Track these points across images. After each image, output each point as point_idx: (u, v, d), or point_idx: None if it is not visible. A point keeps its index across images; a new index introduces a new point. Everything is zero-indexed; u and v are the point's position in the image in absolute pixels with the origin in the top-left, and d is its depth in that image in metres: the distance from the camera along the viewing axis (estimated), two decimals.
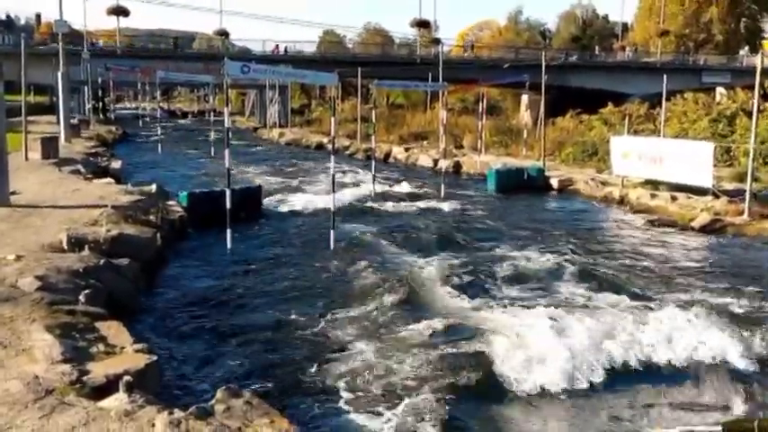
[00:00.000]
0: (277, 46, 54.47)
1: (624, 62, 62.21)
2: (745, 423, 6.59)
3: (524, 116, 44.75)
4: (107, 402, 4.88)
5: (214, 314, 9.13)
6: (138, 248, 10.36)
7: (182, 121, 70.26)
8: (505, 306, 9.34)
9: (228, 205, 12.12)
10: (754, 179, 16.85)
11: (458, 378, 6.98)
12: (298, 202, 17.92)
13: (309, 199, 17.99)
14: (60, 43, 28.54)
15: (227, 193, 12.25)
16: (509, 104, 56.06)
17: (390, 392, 6.72)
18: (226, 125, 12.83)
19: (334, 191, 13.34)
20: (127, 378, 5.11)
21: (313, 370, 7.24)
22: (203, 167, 26.21)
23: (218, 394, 5.10)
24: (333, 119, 14.70)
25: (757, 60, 20.90)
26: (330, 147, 14.22)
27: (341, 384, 6.89)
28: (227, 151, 12.44)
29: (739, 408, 6.87)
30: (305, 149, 37.82)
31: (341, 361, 7.45)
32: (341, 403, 6.53)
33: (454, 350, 7.65)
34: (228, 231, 12.08)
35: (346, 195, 17.99)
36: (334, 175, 13.41)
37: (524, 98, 47.64)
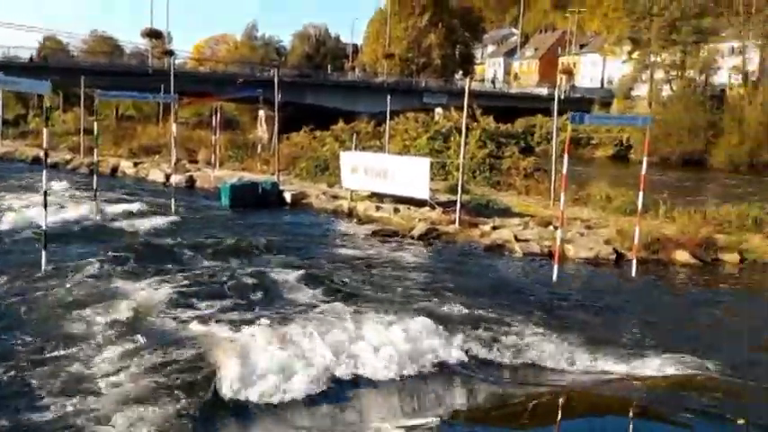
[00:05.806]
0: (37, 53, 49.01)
1: (354, 82, 65.68)
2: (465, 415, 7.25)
3: (260, 131, 44.97)
4: None
5: None
6: None
7: None
8: (231, 319, 9.24)
9: None
10: (465, 191, 18.68)
11: (180, 395, 6.81)
12: (5, 221, 16.09)
13: (19, 218, 16.23)
14: None
15: None
16: (246, 119, 56.01)
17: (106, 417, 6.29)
18: None
19: (46, 207, 12.13)
20: None
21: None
22: None
23: None
24: (45, 130, 13.57)
25: (466, 84, 23.36)
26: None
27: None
28: None
29: (458, 405, 7.53)
30: (20, 164, 34.13)
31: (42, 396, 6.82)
32: None
33: (178, 367, 7.44)
34: None
35: (64, 213, 16.56)
36: (46, 191, 12.24)
37: (261, 114, 47.85)
